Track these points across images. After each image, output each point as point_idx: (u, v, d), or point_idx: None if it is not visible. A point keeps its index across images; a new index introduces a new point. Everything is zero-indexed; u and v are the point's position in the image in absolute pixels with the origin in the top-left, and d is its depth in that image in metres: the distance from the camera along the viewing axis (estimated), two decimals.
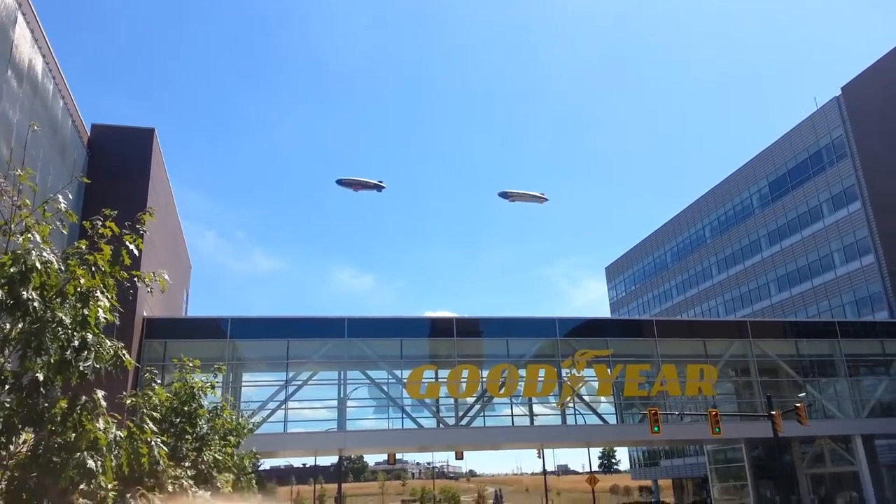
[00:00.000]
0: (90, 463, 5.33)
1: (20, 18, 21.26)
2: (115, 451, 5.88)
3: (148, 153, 32.10)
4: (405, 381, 37.10)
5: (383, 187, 75.83)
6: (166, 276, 6.66)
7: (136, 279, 6.30)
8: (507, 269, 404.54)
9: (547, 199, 79.91)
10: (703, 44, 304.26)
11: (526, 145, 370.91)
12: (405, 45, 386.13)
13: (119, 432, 5.93)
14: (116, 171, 30.14)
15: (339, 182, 75.11)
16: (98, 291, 5.67)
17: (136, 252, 6.14)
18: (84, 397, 5.72)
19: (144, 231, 6.53)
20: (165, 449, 7.32)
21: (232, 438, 14.21)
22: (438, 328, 39.45)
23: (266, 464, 40.36)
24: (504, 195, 78.08)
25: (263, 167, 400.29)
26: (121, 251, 6.02)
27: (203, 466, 11.38)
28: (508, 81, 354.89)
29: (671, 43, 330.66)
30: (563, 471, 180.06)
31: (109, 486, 5.75)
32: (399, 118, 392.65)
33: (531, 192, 78.92)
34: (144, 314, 32.69)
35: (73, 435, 5.36)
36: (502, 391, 37.58)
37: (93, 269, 5.75)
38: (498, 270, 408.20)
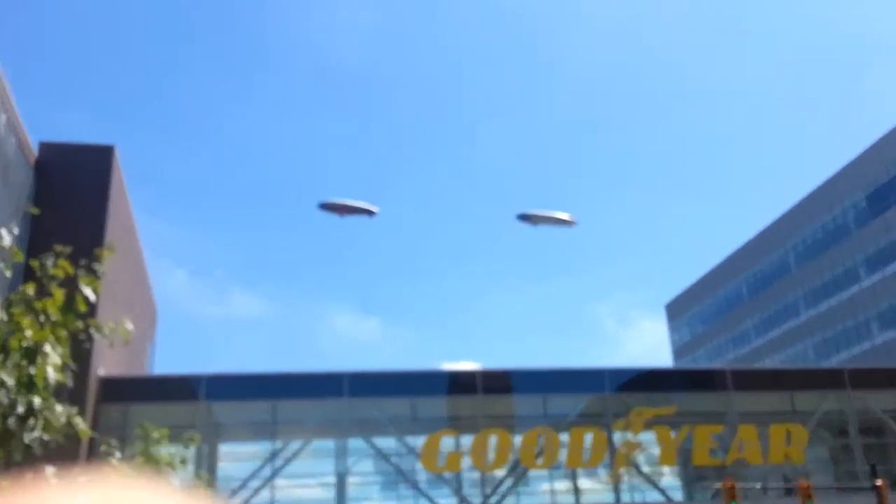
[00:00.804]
0: None
1: None
2: None
3: (107, 176, 32.68)
4: (419, 450, 36.94)
5: (375, 213, 76.08)
6: (129, 326, 6.74)
7: (92, 330, 6.37)
8: (541, 307, 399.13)
9: (575, 223, 79.90)
10: (780, 26, 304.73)
11: (551, 155, 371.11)
12: (403, 48, 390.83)
13: None
14: (69, 198, 30.65)
15: (323, 206, 75.37)
16: (47, 345, 5.74)
17: (92, 297, 6.22)
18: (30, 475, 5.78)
19: (103, 271, 6.61)
20: None
21: None
22: (459, 384, 39.31)
23: None
24: (525, 218, 78.07)
25: (245, 191, 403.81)
26: (75, 296, 6.09)
27: None
28: (524, 81, 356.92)
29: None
30: None
31: None
32: (397, 130, 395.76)
33: (556, 215, 78.88)
34: (101, 372, 32.90)
35: None
36: (540, 461, 37.28)
37: (41, 318, 5.82)
38: (529, 310, 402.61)
